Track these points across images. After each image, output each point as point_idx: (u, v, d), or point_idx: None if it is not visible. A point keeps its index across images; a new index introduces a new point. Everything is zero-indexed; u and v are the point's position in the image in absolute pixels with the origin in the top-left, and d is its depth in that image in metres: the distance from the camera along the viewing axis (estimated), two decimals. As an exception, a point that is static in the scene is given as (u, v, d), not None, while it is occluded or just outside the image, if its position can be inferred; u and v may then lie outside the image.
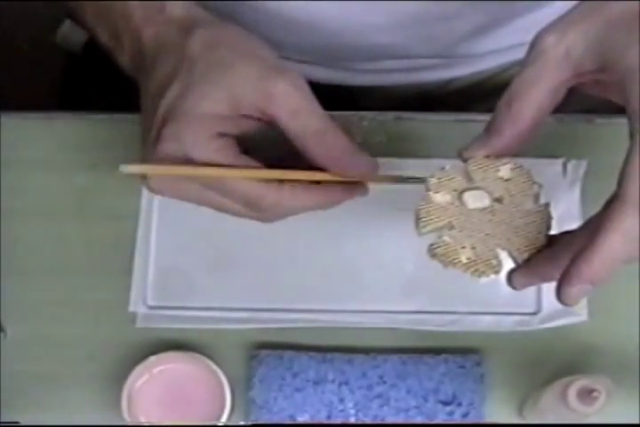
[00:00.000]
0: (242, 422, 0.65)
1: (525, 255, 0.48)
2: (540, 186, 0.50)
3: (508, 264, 0.49)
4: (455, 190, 0.49)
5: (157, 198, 0.70)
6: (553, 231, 0.50)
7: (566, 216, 0.68)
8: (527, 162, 0.68)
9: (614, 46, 0.43)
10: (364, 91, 0.78)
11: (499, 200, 0.49)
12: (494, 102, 0.80)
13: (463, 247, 0.48)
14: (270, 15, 0.67)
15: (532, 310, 0.67)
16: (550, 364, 0.65)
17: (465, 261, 0.48)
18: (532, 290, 0.67)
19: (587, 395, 0.55)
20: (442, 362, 0.65)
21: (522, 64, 0.47)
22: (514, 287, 0.49)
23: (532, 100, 0.46)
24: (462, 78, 0.78)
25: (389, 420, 0.64)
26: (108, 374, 0.66)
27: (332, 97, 0.78)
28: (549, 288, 0.66)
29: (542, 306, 0.67)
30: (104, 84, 0.84)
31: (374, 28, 0.67)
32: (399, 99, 0.78)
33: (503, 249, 0.49)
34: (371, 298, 0.67)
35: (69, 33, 0.87)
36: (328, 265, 0.68)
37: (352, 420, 0.65)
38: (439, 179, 0.50)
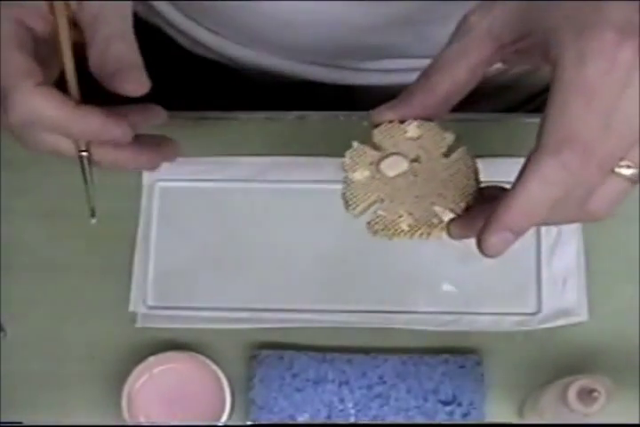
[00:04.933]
0: (242, 423, 0.65)
1: (462, 205, 0.47)
2: (452, 133, 0.49)
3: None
4: (371, 164, 0.48)
5: (157, 198, 0.70)
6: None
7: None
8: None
9: (533, 15, 0.44)
10: (363, 90, 0.78)
11: (416, 160, 0.48)
12: (495, 103, 0.80)
13: (400, 216, 0.48)
14: (267, 16, 0.67)
15: (532, 310, 0.67)
16: (550, 364, 0.65)
17: (407, 228, 0.48)
18: (532, 290, 0.67)
19: (587, 395, 0.55)
20: (442, 362, 0.65)
21: (447, 42, 0.47)
22: (452, 237, 0.48)
23: (451, 74, 0.46)
24: None
25: (389, 420, 0.64)
26: (108, 374, 0.66)
27: (332, 97, 0.78)
28: (550, 288, 0.67)
29: (542, 306, 0.67)
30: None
31: (370, 27, 0.67)
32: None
33: (439, 206, 0.48)
34: (371, 298, 0.67)
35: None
36: (328, 265, 0.68)
37: (352, 420, 0.65)
38: (352, 158, 0.49)
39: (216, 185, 0.70)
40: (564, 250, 0.68)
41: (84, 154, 0.51)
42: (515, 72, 0.77)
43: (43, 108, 0.49)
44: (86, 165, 0.52)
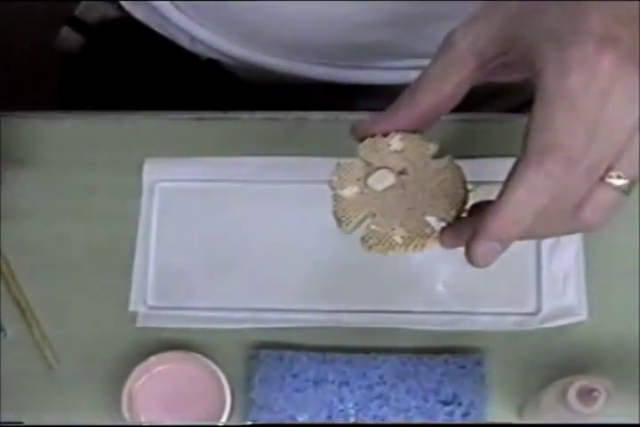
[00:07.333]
0: (242, 422, 0.65)
1: (453, 213, 0.47)
2: (436, 144, 0.49)
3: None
4: (358, 179, 0.49)
5: (157, 198, 0.70)
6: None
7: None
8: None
9: (515, 29, 0.44)
10: (364, 90, 0.78)
11: (403, 173, 0.49)
12: (497, 105, 0.80)
13: (393, 229, 0.48)
14: (268, 14, 0.67)
15: (532, 310, 0.67)
16: (550, 364, 0.65)
17: (400, 241, 0.48)
18: (532, 290, 0.67)
19: (587, 395, 0.55)
20: (442, 362, 0.65)
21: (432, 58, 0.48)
22: (444, 246, 0.48)
23: (435, 91, 0.47)
24: None
25: (389, 420, 0.64)
26: (108, 374, 0.66)
27: (331, 96, 0.78)
28: (549, 288, 0.67)
29: (542, 306, 0.67)
30: (104, 85, 0.84)
31: (371, 25, 0.68)
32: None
33: (430, 216, 0.48)
34: (371, 298, 0.67)
35: (68, 39, 0.87)
36: (328, 265, 0.68)
37: (352, 420, 0.65)
38: (338, 175, 0.49)
39: (216, 185, 0.70)
40: (563, 250, 0.68)
41: None
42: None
43: None
44: None
